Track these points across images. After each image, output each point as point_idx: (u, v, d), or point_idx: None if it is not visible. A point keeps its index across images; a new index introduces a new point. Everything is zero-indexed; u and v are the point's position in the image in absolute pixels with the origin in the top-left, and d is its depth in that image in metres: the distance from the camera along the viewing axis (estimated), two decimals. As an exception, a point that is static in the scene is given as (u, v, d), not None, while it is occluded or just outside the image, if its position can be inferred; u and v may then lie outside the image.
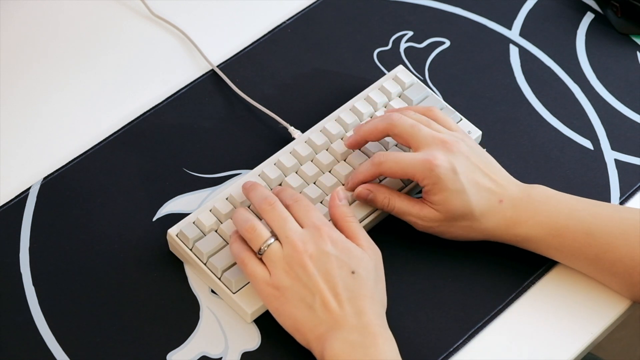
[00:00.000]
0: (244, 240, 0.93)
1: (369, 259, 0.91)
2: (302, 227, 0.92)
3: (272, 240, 0.91)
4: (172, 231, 0.98)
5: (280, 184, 1.00)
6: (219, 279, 0.96)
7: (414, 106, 1.04)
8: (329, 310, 0.88)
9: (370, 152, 1.02)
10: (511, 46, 1.14)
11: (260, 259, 0.91)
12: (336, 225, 0.94)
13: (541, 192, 0.97)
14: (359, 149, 1.02)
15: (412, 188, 1.01)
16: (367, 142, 1.01)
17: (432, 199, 0.96)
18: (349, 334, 0.87)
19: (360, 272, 0.90)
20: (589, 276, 0.97)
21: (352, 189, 0.99)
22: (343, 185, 1.00)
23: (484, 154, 0.98)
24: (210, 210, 0.98)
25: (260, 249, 0.91)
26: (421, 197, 0.97)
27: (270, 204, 0.93)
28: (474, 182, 0.95)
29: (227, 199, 0.99)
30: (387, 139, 1.02)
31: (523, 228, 0.95)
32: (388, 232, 1.00)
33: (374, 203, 0.98)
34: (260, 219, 0.94)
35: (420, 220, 0.97)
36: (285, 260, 0.90)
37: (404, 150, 1.02)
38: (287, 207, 0.94)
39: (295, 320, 0.89)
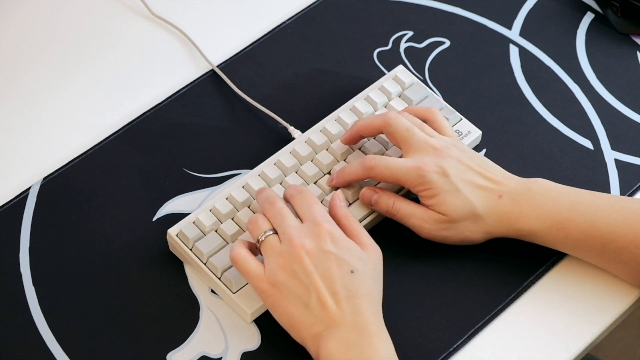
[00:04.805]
0: (244, 243, 0.93)
1: (367, 257, 0.91)
2: (302, 221, 0.92)
3: (271, 232, 0.91)
4: (172, 231, 0.98)
5: (280, 184, 1.00)
6: (219, 279, 0.96)
7: (414, 106, 1.04)
8: (326, 309, 0.88)
9: (370, 152, 1.02)
10: (511, 46, 1.14)
11: (260, 252, 0.91)
12: (338, 224, 0.94)
13: (541, 186, 0.97)
14: (359, 149, 1.03)
15: (407, 192, 1.01)
16: (361, 137, 1.01)
17: (429, 203, 0.96)
18: (345, 333, 0.87)
19: (359, 271, 0.90)
20: (597, 266, 0.97)
21: (337, 187, 1.00)
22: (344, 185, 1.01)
23: (477, 156, 0.98)
24: (210, 210, 0.98)
25: (258, 239, 0.91)
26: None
27: (270, 202, 0.93)
28: (468, 181, 0.96)
29: (227, 199, 0.99)
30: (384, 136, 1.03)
31: (526, 222, 0.96)
32: (388, 232, 1.00)
33: (378, 205, 0.98)
34: None
35: (425, 223, 0.97)
36: (281, 255, 0.90)
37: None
38: (290, 198, 0.94)
39: (291, 317, 0.89)
